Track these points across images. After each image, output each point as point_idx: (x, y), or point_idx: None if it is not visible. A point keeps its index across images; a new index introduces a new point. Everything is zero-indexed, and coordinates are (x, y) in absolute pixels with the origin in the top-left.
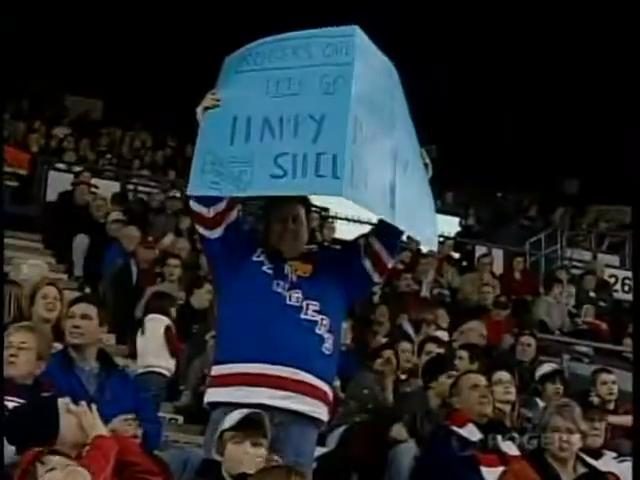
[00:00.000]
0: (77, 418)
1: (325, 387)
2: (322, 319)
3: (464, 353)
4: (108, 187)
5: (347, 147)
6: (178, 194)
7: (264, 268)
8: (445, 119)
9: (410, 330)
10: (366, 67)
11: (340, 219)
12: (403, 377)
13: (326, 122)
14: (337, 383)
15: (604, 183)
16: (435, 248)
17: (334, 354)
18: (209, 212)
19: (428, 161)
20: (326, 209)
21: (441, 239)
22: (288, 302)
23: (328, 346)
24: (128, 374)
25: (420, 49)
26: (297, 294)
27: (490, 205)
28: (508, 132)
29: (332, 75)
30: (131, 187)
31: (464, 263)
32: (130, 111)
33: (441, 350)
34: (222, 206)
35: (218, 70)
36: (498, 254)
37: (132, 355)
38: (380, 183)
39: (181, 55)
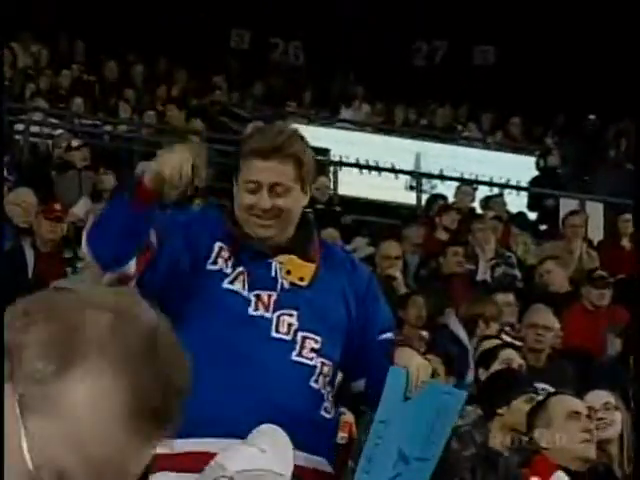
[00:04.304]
0: None
1: (318, 464)
2: (322, 364)
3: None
4: None
5: None
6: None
7: (226, 282)
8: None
9: (461, 332)
10: None
11: (348, 165)
12: None
13: None
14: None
15: None
16: None
17: (336, 412)
18: (113, 274)
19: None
20: (326, 151)
21: (509, 191)
22: (274, 333)
23: (329, 405)
24: None
25: None
26: (290, 317)
27: (580, 136)
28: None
29: None
30: (21, 128)
31: (543, 226)
32: (10, 13)
33: (522, 362)
34: (130, 269)
35: None
36: (596, 210)
37: None
38: None
39: None
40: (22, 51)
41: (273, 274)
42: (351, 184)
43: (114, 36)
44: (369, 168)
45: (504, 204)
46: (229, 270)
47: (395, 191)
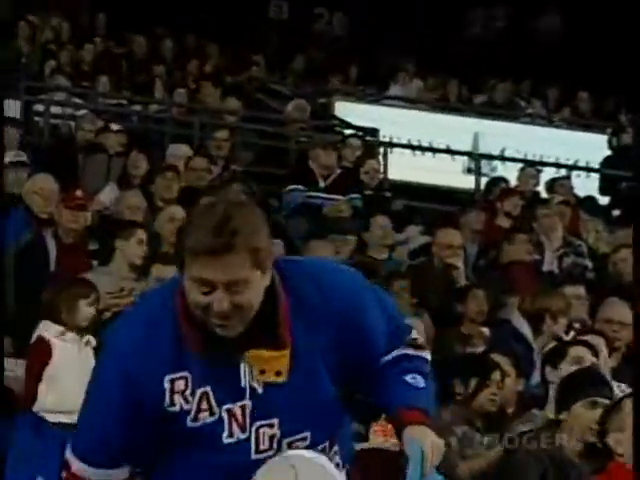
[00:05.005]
0: None
1: None
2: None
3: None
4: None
5: None
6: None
7: (190, 421)
8: None
9: (524, 329)
10: None
11: (399, 146)
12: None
13: None
14: None
15: None
16: None
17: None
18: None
19: None
20: (374, 131)
21: (578, 173)
22: (255, 455)
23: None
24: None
25: None
26: (271, 429)
27: None
28: None
29: None
30: (41, 109)
31: (616, 212)
32: None
33: (594, 359)
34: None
35: None
36: None
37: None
38: None
39: None
40: (41, 24)
41: (243, 381)
42: (403, 167)
43: (140, 7)
44: (422, 149)
45: (572, 187)
46: (189, 404)
47: (451, 174)
